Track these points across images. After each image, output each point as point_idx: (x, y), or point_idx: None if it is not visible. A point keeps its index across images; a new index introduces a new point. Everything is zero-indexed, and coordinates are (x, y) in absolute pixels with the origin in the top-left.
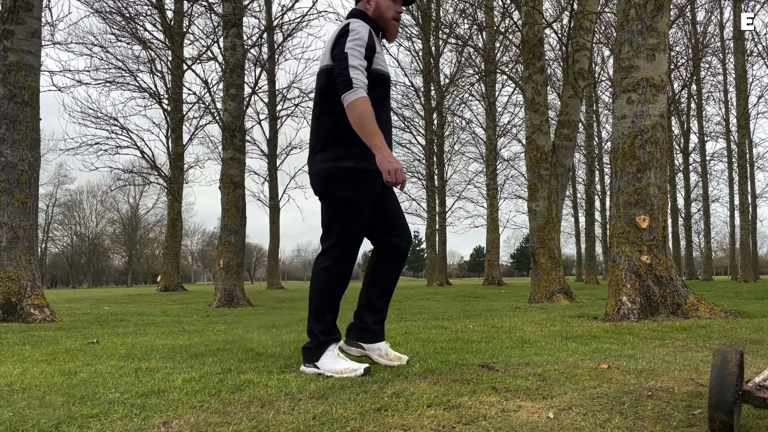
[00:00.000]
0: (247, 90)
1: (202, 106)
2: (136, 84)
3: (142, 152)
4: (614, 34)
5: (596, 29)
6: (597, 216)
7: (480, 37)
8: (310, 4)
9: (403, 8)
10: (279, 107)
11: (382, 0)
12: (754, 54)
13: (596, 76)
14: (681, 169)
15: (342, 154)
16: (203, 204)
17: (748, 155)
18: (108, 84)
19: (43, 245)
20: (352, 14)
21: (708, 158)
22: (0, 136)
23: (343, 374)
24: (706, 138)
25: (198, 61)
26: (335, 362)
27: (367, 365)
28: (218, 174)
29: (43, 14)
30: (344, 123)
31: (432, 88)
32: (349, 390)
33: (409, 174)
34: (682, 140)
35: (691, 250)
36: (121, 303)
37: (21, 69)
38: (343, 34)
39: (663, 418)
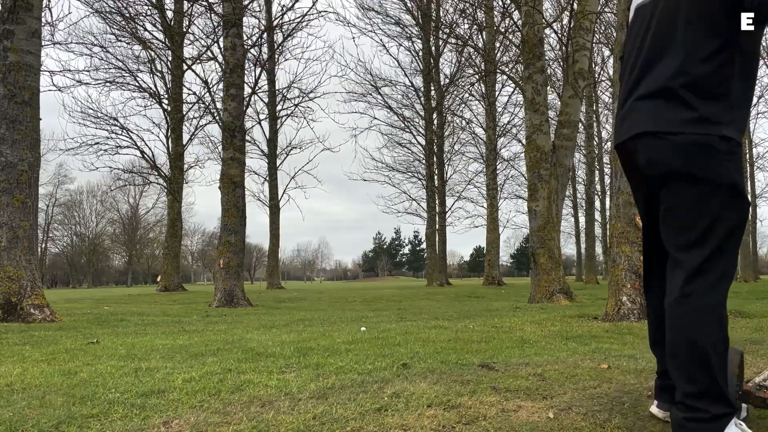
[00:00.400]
0: (247, 90)
1: (202, 106)
2: (136, 84)
3: (142, 152)
4: (614, 34)
5: (596, 29)
6: (597, 216)
7: (480, 37)
8: (310, 4)
9: None
10: (279, 107)
11: None
12: None
13: (596, 76)
14: None
15: (722, 115)
16: (203, 204)
17: (748, 155)
18: (108, 84)
19: (43, 245)
20: None
21: None
22: (0, 136)
23: None
24: None
25: (198, 61)
26: None
27: None
28: (218, 174)
29: (43, 14)
30: (741, 65)
31: (432, 88)
32: (349, 390)
33: (409, 174)
34: None
35: None
36: (121, 303)
37: (21, 69)
38: None
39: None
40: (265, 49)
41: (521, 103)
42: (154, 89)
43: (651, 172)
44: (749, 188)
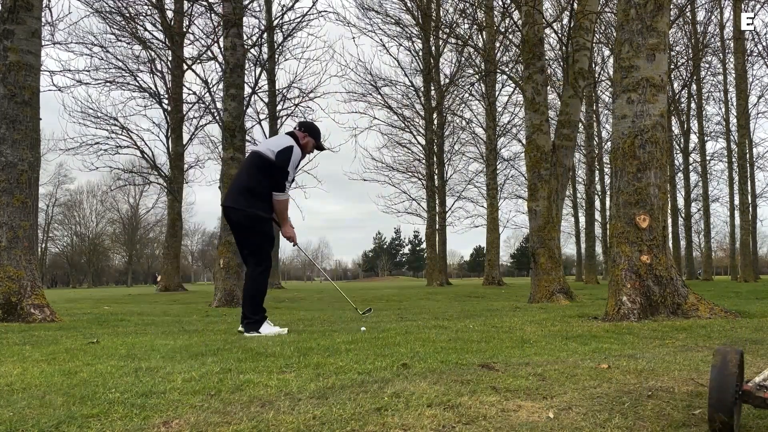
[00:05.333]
0: (247, 90)
1: (202, 106)
2: (136, 84)
3: (142, 152)
4: (614, 34)
5: (596, 29)
6: (597, 216)
7: (480, 37)
8: (310, 4)
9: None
10: (279, 107)
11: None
12: (754, 54)
13: (596, 76)
14: (681, 169)
15: (261, 204)
16: (203, 204)
17: (748, 155)
18: (108, 84)
19: (43, 245)
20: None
21: (708, 158)
22: (0, 136)
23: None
24: (706, 138)
25: (198, 61)
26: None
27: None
28: (218, 174)
29: (43, 14)
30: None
31: (432, 88)
32: (349, 390)
33: (409, 174)
34: (682, 140)
35: (691, 250)
36: (121, 303)
37: (21, 69)
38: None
39: (663, 418)
40: (265, 49)
41: (521, 103)
42: (154, 89)
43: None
44: (749, 188)
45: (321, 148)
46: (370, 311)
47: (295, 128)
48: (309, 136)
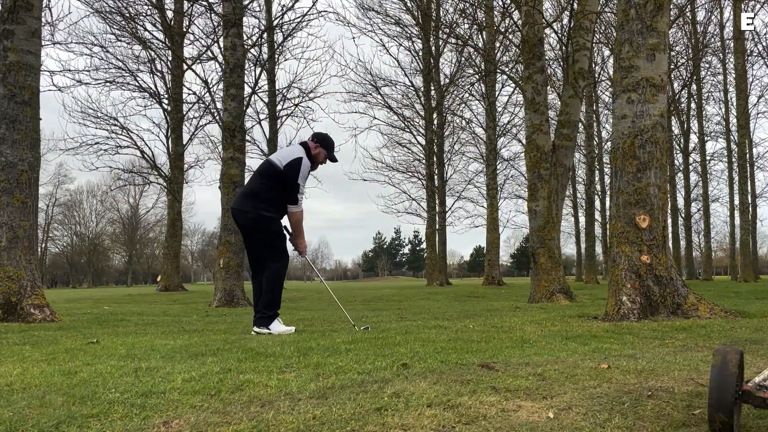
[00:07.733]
0: (247, 90)
1: (202, 106)
2: (136, 84)
3: (142, 152)
4: (614, 34)
5: (596, 29)
6: (597, 216)
7: (480, 37)
8: (310, 3)
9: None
10: (279, 107)
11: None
12: (754, 54)
13: (596, 76)
14: (681, 169)
15: (264, 205)
16: (203, 204)
17: (748, 155)
18: (108, 84)
19: (43, 245)
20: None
21: (708, 158)
22: (0, 136)
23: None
24: (706, 138)
25: (198, 61)
26: None
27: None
28: (218, 174)
29: (43, 14)
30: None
31: (432, 88)
32: (349, 390)
33: (409, 174)
34: (682, 140)
35: (691, 250)
36: (121, 303)
37: (21, 69)
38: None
39: (663, 418)
40: (265, 49)
41: (521, 103)
42: (154, 89)
43: (246, 227)
44: (749, 188)
45: (333, 159)
46: (367, 329)
47: (309, 138)
48: (321, 147)
